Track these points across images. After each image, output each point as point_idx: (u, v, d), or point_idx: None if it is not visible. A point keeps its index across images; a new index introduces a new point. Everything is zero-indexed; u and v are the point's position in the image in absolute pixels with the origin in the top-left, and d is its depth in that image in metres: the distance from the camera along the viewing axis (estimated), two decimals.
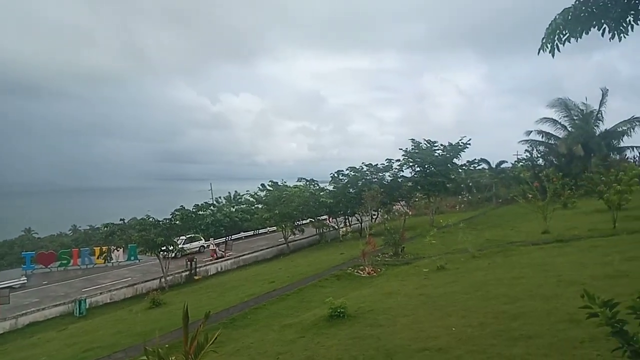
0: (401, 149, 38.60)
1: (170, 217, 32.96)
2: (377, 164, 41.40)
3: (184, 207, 35.38)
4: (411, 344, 8.91)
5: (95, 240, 46.77)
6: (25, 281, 33.51)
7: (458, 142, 37.95)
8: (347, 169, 41.96)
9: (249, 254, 38.45)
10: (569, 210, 29.46)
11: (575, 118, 44.35)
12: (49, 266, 37.91)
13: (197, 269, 33.37)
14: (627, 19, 5.05)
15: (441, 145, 38.27)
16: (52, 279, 34.94)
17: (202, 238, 42.68)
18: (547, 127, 46.08)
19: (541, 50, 5.62)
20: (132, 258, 37.93)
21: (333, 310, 11.79)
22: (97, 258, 36.61)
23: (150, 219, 31.07)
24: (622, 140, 43.07)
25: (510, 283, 12.51)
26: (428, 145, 38.25)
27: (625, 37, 5.07)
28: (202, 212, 37.97)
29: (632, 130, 41.91)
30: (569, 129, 44.55)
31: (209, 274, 33.88)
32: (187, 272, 32.78)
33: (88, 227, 59.24)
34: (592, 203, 28.00)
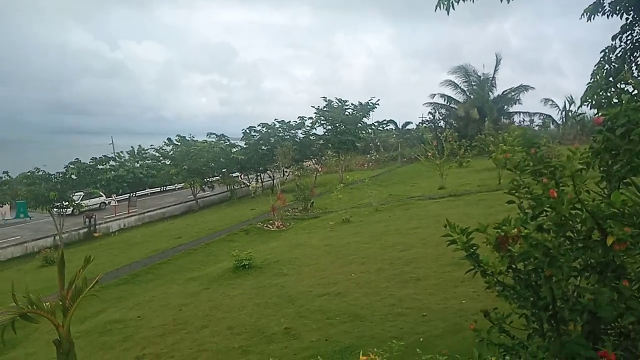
0: (313, 107, 38.82)
1: (65, 170, 30.18)
2: (289, 121, 41.31)
3: (80, 160, 32.57)
4: (313, 290, 9.36)
5: None
6: None
7: (368, 102, 39.02)
8: (259, 125, 41.39)
9: (155, 210, 36.91)
10: (464, 169, 32.08)
11: (473, 83, 47.60)
12: None
13: (97, 226, 31.43)
14: None
15: (352, 104, 39.10)
16: None
17: (102, 194, 40.00)
18: (449, 91, 49.04)
19: (438, 8, 5.83)
20: (22, 215, 34.50)
21: (239, 262, 11.91)
22: None
23: (40, 172, 28.25)
24: (511, 105, 47.35)
25: (407, 233, 13.50)
26: (339, 104, 38.83)
27: None
28: (101, 167, 35.33)
29: (519, 96, 46.20)
30: (468, 94, 47.79)
31: (111, 231, 32.09)
32: (86, 230, 30.75)
33: None
34: (483, 162, 30.72)
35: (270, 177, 42.85)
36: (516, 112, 47.74)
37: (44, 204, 27.40)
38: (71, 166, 30.70)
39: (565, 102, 46.98)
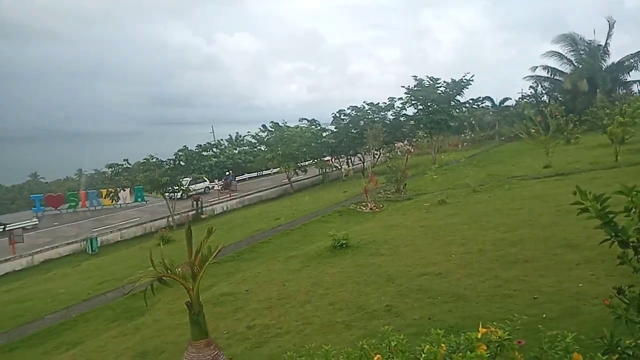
0: (403, 87, 37.86)
1: (174, 157, 33.08)
2: (378, 103, 40.87)
3: (187, 148, 35.42)
4: (411, 269, 9.32)
5: (101, 183, 47.30)
6: (37, 222, 34.33)
7: (461, 79, 37.13)
8: (348, 108, 41.50)
9: (253, 193, 39.01)
10: (572, 146, 29.43)
11: (582, 52, 43.05)
12: (58, 208, 38.81)
13: (203, 209, 34.04)
14: None
15: (444, 82, 37.48)
16: (62, 220, 35.83)
17: (206, 179, 43.13)
18: (552, 62, 44.91)
19: None
20: (139, 199, 38.66)
21: (336, 241, 12.21)
22: (105, 199, 37.29)
23: (154, 160, 31.21)
24: (629, 74, 42.13)
25: (509, 213, 12.82)
26: (431, 82, 37.43)
27: None
28: (205, 153, 38.17)
29: (638, 63, 40.81)
30: (575, 64, 43.38)
31: (215, 213, 34.60)
32: (194, 212, 33.47)
33: (94, 171, 59.78)
34: (595, 138, 27.93)
35: (360, 160, 42.97)
36: (635, 81, 42.44)
37: (158, 189, 30.29)
38: (180, 153, 33.49)
39: None
